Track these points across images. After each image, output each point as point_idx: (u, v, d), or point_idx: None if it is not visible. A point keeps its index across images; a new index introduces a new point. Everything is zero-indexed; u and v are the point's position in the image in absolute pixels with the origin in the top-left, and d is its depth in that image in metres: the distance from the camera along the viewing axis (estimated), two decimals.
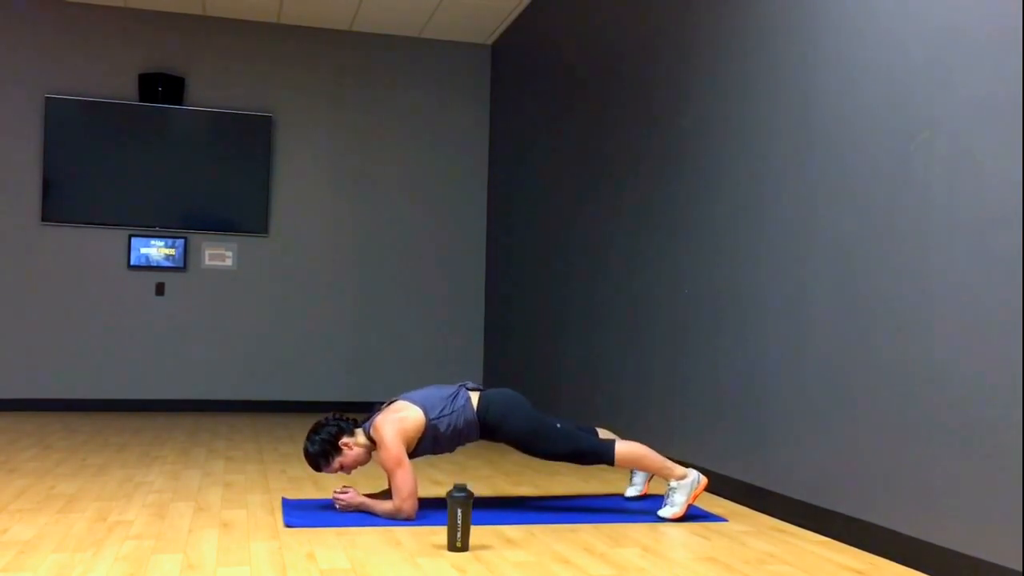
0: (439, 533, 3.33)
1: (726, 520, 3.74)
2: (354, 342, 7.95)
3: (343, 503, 3.61)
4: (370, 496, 3.73)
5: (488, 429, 3.79)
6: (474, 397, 3.82)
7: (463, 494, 3.10)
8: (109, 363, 7.46)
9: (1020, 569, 2.65)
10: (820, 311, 3.61)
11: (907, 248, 3.17)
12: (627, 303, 5.33)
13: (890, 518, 3.19)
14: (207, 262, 7.68)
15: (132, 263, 7.50)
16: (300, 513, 3.59)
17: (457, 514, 3.09)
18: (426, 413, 3.68)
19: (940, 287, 3.01)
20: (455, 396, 3.78)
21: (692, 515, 3.74)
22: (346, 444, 3.65)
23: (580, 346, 5.98)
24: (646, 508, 3.92)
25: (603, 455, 3.74)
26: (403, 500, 3.52)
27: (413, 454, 3.72)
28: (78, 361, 7.40)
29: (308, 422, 6.96)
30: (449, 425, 3.71)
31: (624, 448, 3.76)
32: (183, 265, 7.59)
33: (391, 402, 3.78)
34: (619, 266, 5.45)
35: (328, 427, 3.67)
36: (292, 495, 4.04)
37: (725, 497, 4.20)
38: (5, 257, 7.30)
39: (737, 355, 4.19)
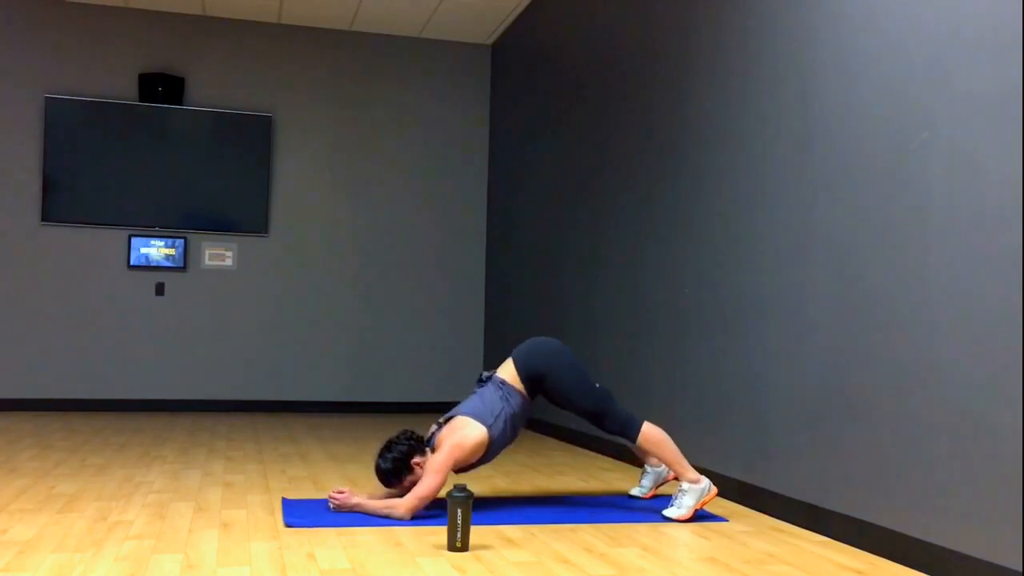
0: (439, 533, 3.33)
1: (726, 520, 3.75)
2: (354, 342, 7.95)
3: (337, 503, 3.62)
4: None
5: (535, 382, 3.89)
6: (503, 371, 3.93)
7: (463, 494, 3.10)
8: (109, 363, 7.46)
9: (1020, 569, 2.65)
10: (820, 311, 3.61)
11: (907, 248, 3.17)
12: (627, 303, 5.33)
13: (890, 518, 3.19)
14: (207, 262, 7.68)
15: (132, 263, 7.50)
16: (300, 513, 3.59)
17: (457, 514, 3.09)
18: (483, 422, 3.77)
19: (940, 287, 3.01)
20: (496, 389, 3.87)
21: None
22: (417, 464, 3.71)
23: (580, 346, 5.97)
24: (646, 508, 3.93)
25: (629, 426, 3.85)
26: (411, 498, 3.53)
27: (482, 460, 3.82)
28: (78, 361, 7.40)
29: (308, 422, 6.97)
30: (506, 420, 3.82)
31: (649, 429, 3.86)
32: (183, 265, 7.59)
33: (449, 418, 3.84)
34: (619, 266, 5.45)
35: (400, 445, 3.73)
36: (292, 495, 4.04)
37: (725, 497, 4.20)
38: (5, 257, 7.30)
39: (737, 356, 4.19)
